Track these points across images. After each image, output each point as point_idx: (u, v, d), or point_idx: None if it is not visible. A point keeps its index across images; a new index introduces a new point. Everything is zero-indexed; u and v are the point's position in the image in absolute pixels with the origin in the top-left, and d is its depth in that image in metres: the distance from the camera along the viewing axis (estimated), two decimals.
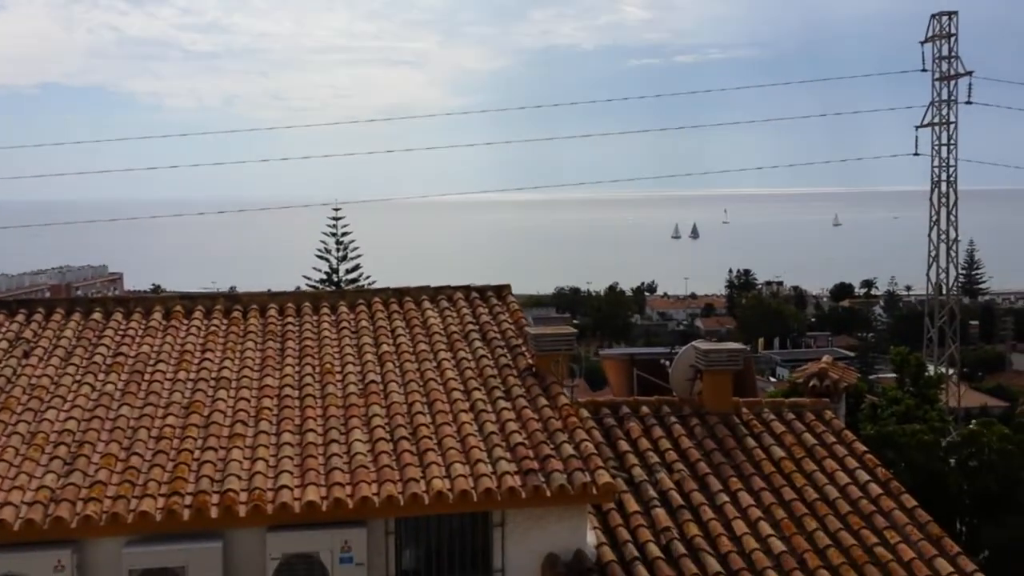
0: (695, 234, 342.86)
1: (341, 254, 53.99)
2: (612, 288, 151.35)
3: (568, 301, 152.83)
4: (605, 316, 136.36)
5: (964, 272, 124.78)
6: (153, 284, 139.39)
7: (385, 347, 15.47)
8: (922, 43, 57.23)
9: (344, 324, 16.37)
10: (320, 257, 54.17)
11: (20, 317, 16.01)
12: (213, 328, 16.02)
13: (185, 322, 16.27)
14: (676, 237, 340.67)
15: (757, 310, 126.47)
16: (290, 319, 16.55)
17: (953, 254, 58.81)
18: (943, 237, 57.61)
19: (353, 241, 54.35)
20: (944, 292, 59.07)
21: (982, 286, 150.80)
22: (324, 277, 53.57)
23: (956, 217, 57.55)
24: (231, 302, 17.04)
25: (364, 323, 16.45)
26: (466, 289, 17.71)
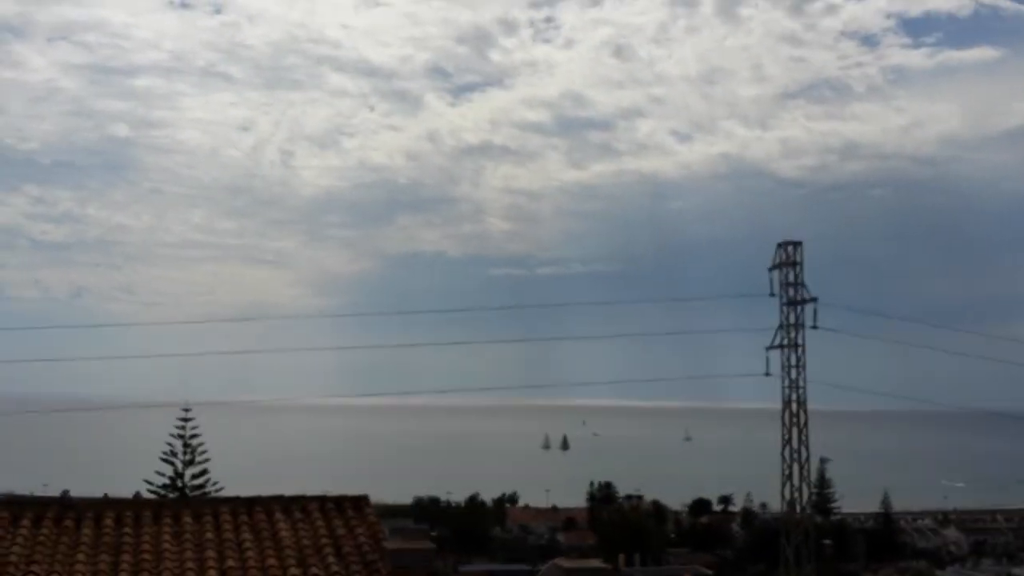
0: (565, 446, 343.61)
1: (188, 458, 51.39)
2: (472, 499, 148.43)
3: (427, 512, 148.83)
4: (465, 528, 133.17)
5: (816, 491, 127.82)
6: None
7: (231, 562, 14.41)
8: (770, 270, 60.31)
9: (187, 536, 15.25)
10: (165, 460, 51.48)
11: None
12: (41, 538, 14.67)
13: (11, 530, 14.87)
14: (546, 448, 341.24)
15: (619, 525, 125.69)
16: (127, 529, 15.32)
17: (806, 472, 60.19)
18: (795, 456, 59.12)
19: (201, 444, 51.98)
20: (798, 510, 60.09)
21: (834, 504, 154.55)
22: (168, 482, 50.72)
23: (807, 436, 59.25)
24: (63, 509, 15.73)
25: (209, 535, 15.37)
26: (321, 500, 16.90)
